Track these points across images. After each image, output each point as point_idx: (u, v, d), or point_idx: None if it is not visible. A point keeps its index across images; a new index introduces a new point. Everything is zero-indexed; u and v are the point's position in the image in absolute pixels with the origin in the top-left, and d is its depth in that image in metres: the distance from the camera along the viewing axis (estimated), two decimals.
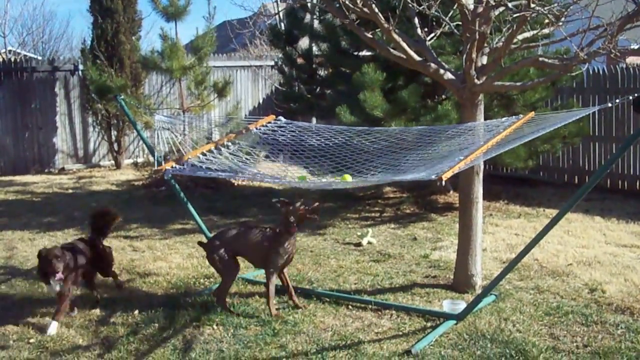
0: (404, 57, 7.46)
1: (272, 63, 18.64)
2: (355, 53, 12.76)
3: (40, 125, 18.32)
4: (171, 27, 15.10)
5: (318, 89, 13.78)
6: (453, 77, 7.50)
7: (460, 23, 7.57)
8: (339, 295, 7.47)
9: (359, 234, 10.15)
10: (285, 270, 7.24)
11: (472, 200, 7.58)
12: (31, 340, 6.53)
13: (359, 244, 9.73)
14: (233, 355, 6.09)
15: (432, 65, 7.49)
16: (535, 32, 7.56)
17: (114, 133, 18.45)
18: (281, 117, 8.10)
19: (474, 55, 7.20)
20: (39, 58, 27.64)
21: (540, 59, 7.18)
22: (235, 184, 14.59)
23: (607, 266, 8.42)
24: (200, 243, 7.52)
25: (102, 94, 15.53)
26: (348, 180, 6.88)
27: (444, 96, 11.23)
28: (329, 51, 13.17)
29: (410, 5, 7.46)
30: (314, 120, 16.20)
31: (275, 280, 7.04)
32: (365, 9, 7.09)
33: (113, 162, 18.85)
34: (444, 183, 5.79)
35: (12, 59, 20.07)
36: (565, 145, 12.59)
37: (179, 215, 11.65)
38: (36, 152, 18.36)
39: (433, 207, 12.09)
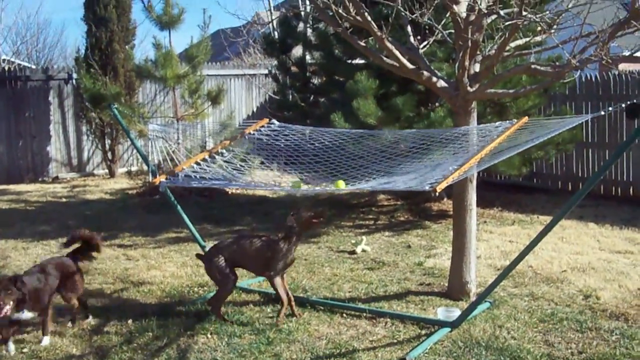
0: (397, 65, 7.47)
1: (266, 71, 18.63)
2: (349, 61, 12.76)
3: (34, 134, 18.30)
4: (165, 35, 15.17)
5: (312, 97, 13.78)
6: (446, 85, 7.52)
7: (452, 31, 7.59)
8: (333, 303, 7.46)
9: (353, 241, 10.15)
10: (284, 276, 7.24)
11: (466, 208, 7.59)
12: (24, 350, 6.51)
13: (353, 252, 9.73)
14: None
15: (425, 73, 7.50)
16: (527, 39, 7.58)
17: (107, 142, 18.44)
18: (274, 120, 8.11)
19: (466, 63, 7.22)
20: (33, 67, 27.63)
21: (533, 66, 7.19)
22: (230, 192, 14.60)
23: (601, 272, 8.43)
24: (198, 255, 7.52)
25: (96, 102, 15.54)
26: (341, 187, 6.88)
27: (437, 104, 11.24)
28: (322, 59, 13.17)
29: (403, 14, 7.48)
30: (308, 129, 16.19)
31: (281, 282, 7.08)
32: (359, 18, 7.10)
33: (107, 170, 18.83)
34: (437, 194, 5.80)
35: (6, 68, 20.10)
36: (559, 152, 12.61)
37: (173, 224, 11.64)
38: (30, 160, 18.33)
39: (427, 214, 12.09)
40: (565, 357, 6.03)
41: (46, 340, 6.64)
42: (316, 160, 7.44)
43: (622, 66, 16.68)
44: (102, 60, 17.59)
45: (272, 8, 25.25)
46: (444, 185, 5.73)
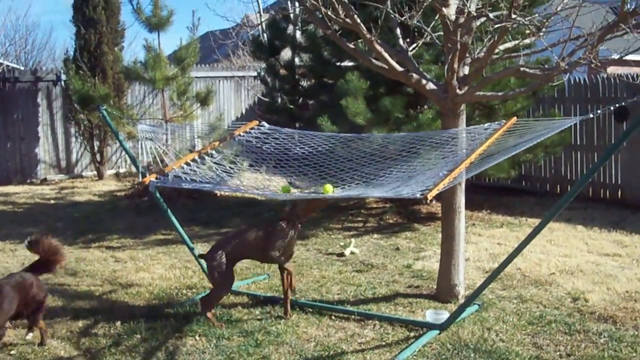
0: (386, 67, 7.47)
1: (255, 74, 18.65)
2: (338, 63, 12.77)
3: (23, 136, 18.23)
4: (154, 37, 15.12)
5: (301, 100, 13.79)
6: (435, 87, 7.52)
7: (441, 33, 7.59)
8: (322, 305, 7.46)
9: (342, 244, 10.15)
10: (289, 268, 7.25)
11: (454, 210, 7.60)
12: (12, 352, 6.49)
13: (341, 254, 9.73)
14: None
15: (415, 75, 7.50)
16: (516, 42, 7.60)
17: (96, 143, 18.38)
18: (264, 123, 8.10)
19: (455, 66, 7.23)
20: (22, 68, 27.52)
21: (522, 68, 7.21)
22: (218, 195, 14.58)
23: (590, 275, 8.45)
24: (201, 255, 7.54)
25: (85, 104, 15.48)
26: (329, 191, 6.86)
27: (426, 106, 11.25)
28: (311, 62, 13.18)
29: (392, 16, 7.48)
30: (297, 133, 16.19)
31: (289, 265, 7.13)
32: (348, 20, 7.10)
33: (95, 172, 18.77)
34: (429, 201, 5.80)
35: None
36: (547, 154, 12.64)
37: (161, 226, 11.62)
38: (18, 162, 18.26)
39: (416, 217, 12.10)
40: (553, 359, 6.05)
41: None
42: (305, 163, 7.42)
43: (611, 69, 16.73)
44: (91, 61, 17.54)
45: (261, 10, 25.23)
46: (435, 192, 5.74)
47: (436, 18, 7.91)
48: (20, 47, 41.46)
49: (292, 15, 13.73)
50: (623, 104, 6.52)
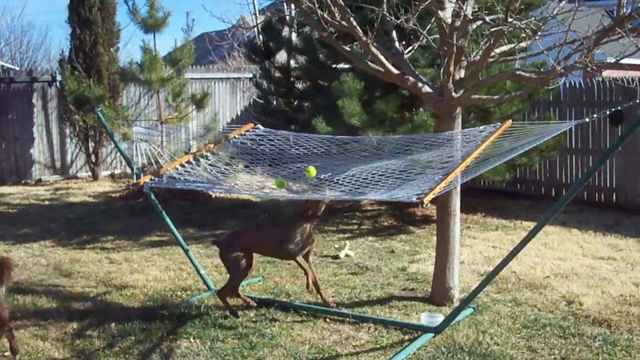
0: (382, 70, 7.47)
1: (251, 75, 18.61)
2: (333, 66, 12.76)
3: (18, 136, 18.20)
4: (150, 38, 15.05)
5: (296, 102, 13.77)
6: (431, 90, 7.52)
7: (437, 36, 7.59)
8: (316, 308, 7.45)
9: (336, 246, 10.15)
10: (310, 258, 7.21)
11: (449, 213, 7.60)
12: (6, 354, 6.47)
13: (336, 257, 9.72)
14: None
15: (411, 78, 7.50)
16: (512, 45, 7.61)
17: (91, 144, 18.36)
18: (259, 125, 8.09)
19: (451, 69, 7.23)
20: (17, 69, 27.48)
21: (518, 72, 7.21)
22: (213, 196, 14.56)
23: (584, 278, 8.45)
24: (214, 241, 7.59)
25: (80, 105, 15.44)
26: (313, 174, 6.83)
27: (421, 109, 11.25)
28: (306, 64, 13.16)
29: (388, 19, 7.48)
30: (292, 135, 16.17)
31: (304, 262, 7.03)
32: (344, 22, 7.10)
33: (90, 173, 18.74)
34: (425, 206, 5.80)
35: None
36: (543, 158, 12.65)
37: (156, 227, 11.60)
38: (13, 163, 18.22)
39: (411, 219, 12.09)
40: None
41: None
42: (299, 161, 7.41)
43: (606, 73, 16.76)
44: (86, 62, 17.54)
45: (257, 12, 25.22)
46: (431, 196, 5.72)
47: (432, 21, 7.90)
48: (16, 48, 41.46)
49: (287, 17, 13.73)
50: (619, 108, 6.51)
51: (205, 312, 7.38)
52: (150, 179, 7.17)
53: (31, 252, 10.37)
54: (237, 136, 7.88)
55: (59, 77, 18.24)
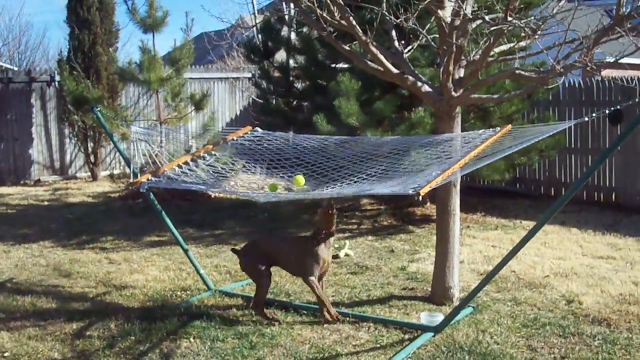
0: (382, 69, 7.47)
1: (250, 75, 18.59)
2: (332, 65, 12.76)
3: (16, 137, 18.18)
4: (149, 38, 15.07)
5: (295, 102, 13.77)
6: (430, 89, 7.52)
7: (437, 35, 7.59)
8: (316, 307, 7.43)
9: (336, 246, 10.13)
10: (323, 281, 7.27)
11: (449, 212, 7.60)
12: (6, 354, 6.47)
13: (336, 256, 9.70)
14: None
15: (410, 77, 7.50)
16: (512, 44, 7.60)
17: (90, 145, 18.34)
18: (257, 128, 8.08)
19: (451, 68, 7.22)
20: (15, 69, 27.46)
21: (517, 71, 7.21)
22: (212, 196, 14.56)
23: (584, 278, 8.45)
24: (233, 250, 7.58)
25: (79, 105, 15.45)
26: (301, 183, 6.84)
27: (420, 108, 11.25)
28: (305, 64, 13.17)
29: (388, 18, 7.48)
30: (291, 133, 16.17)
31: (319, 286, 7.05)
32: (343, 22, 7.10)
33: (89, 173, 18.72)
34: (421, 198, 5.79)
35: None
36: (542, 157, 12.65)
37: (155, 228, 11.59)
38: (12, 163, 18.20)
39: (410, 219, 12.09)
40: None
41: None
42: (297, 162, 7.41)
43: (605, 72, 16.78)
44: (85, 62, 17.52)
45: (256, 11, 25.20)
46: (427, 189, 5.71)
47: (431, 20, 7.91)
48: (14, 48, 41.43)
49: (287, 16, 13.72)
50: (618, 107, 6.51)
51: (205, 312, 7.37)
52: (148, 179, 7.17)
53: (30, 252, 10.36)
54: (235, 138, 7.89)
55: (57, 77, 18.19)
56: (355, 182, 6.79)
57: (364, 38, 7.20)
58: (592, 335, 6.58)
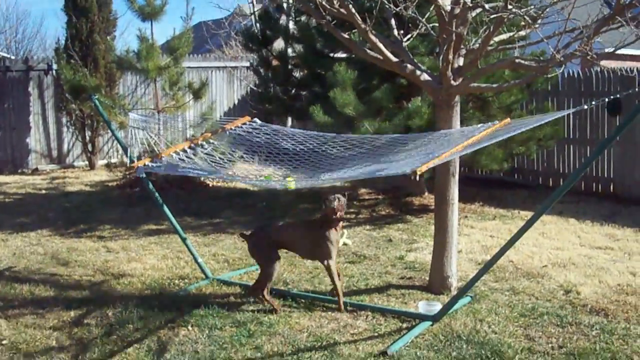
0: (381, 58, 7.46)
1: (248, 64, 18.56)
2: (331, 54, 12.74)
3: (14, 126, 18.14)
4: (147, 27, 15.00)
5: (293, 91, 13.74)
6: (429, 78, 7.50)
7: (436, 24, 7.57)
8: (314, 296, 7.45)
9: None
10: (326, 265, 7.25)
11: (447, 202, 7.59)
12: (4, 342, 6.47)
13: None
14: (208, 356, 6.06)
15: (409, 66, 7.49)
16: (511, 34, 7.58)
17: (88, 133, 18.29)
18: (256, 119, 8.07)
19: (450, 57, 7.20)
20: (13, 57, 27.39)
21: (517, 60, 7.20)
22: (210, 185, 14.56)
23: (582, 268, 8.46)
24: (242, 235, 7.59)
25: (77, 93, 15.41)
26: (292, 187, 6.85)
27: (418, 98, 11.23)
28: (304, 52, 13.14)
29: (387, 7, 7.46)
30: (289, 121, 16.18)
31: (336, 271, 7.09)
32: (342, 10, 7.08)
33: (87, 162, 18.68)
34: (418, 178, 5.77)
35: None
36: (540, 148, 12.64)
37: (153, 216, 11.58)
38: (9, 152, 18.17)
39: (408, 208, 12.09)
40: (545, 351, 6.05)
41: None
42: (295, 152, 7.40)
43: (604, 63, 16.75)
44: (83, 51, 17.44)
45: (254, 0, 25.16)
46: (424, 168, 5.69)
47: (431, 9, 7.88)
48: (11, 37, 41.36)
49: (285, 5, 13.69)
50: (617, 96, 6.50)
51: (203, 300, 7.36)
52: (145, 164, 7.15)
53: (28, 241, 10.35)
54: (233, 128, 7.87)
55: (55, 66, 18.13)
56: (353, 167, 6.78)
57: (363, 26, 7.18)
58: (589, 325, 6.58)
